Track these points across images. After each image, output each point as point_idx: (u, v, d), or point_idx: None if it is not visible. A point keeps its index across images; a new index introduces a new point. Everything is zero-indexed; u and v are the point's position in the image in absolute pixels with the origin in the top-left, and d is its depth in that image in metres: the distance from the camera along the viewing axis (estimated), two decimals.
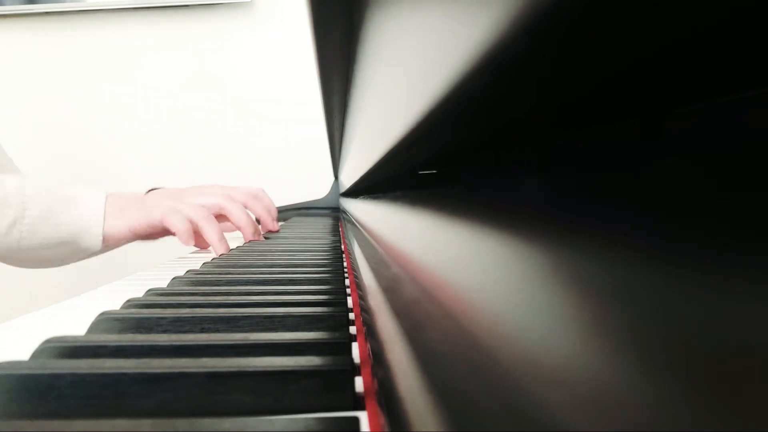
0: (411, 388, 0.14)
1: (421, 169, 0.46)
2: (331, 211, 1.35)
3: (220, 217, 0.76)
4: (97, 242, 0.67)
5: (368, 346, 0.25)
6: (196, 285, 0.44)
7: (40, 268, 0.80)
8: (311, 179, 1.45)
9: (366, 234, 0.54)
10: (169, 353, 0.25)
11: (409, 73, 0.20)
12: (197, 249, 0.79)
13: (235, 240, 0.84)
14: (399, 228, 0.34)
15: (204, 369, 0.22)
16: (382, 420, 0.18)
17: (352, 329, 0.31)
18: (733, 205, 0.08)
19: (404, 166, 0.42)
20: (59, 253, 0.71)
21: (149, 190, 0.80)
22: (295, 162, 1.53)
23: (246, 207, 0.80)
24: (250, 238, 0.77)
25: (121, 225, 0.67)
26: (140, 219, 0.68)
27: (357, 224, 0.70)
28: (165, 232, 0.71)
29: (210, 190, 0.77)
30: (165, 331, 0.30)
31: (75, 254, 0.72)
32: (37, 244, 0.65)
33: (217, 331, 0.30)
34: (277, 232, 0.87)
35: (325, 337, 0.26)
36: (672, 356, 0.07)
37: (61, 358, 0.25)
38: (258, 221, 0.86)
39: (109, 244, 0.69)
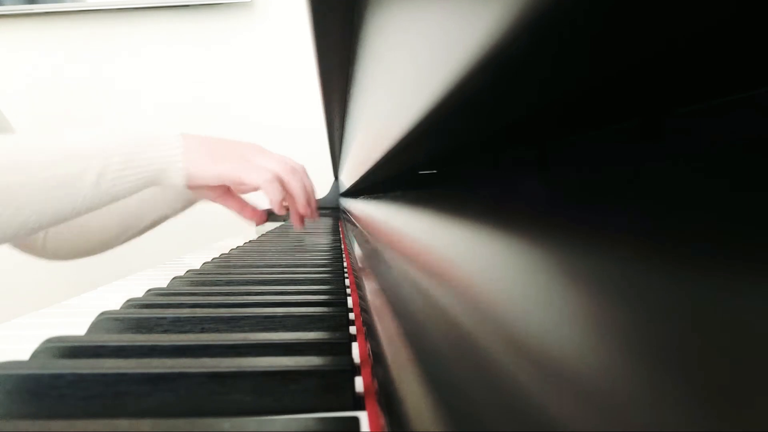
0: (411, 388, 0.14)
1: (421, 169, 0.46)
2: (331, 211, 1.35)
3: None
4: (181, 179, 0.65)
5: (368, 346, 0.25)
6: (196, 285, 0.44)
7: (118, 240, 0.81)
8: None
9: (366, 234, 0.54)
10: (170, 353, 0.25)
11: (409, 73, 0.20)
12: (196, 246, 0.79)
13: (235, 238, 0.83)
14: (399, 228, 0.34)
15: (204, 369, 0.22)
16: (382, 420, 0.18)
17: (352, 329, 0.31)
18: (733, 204, 0.08)
19: (404, 166, 0.42)
20: (148, 199, 0.73)
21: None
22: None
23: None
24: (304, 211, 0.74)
25: (211, 170, 0.65)
26: (233, 171, 0.65)
27: (357, 224, 0.70)
28: (245, 190, 0.70)
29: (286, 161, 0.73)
30: (165, 331, 0.30)
31: (163, 199, 0.73)
32: (126, 189, 0.65)
33: (218, 331, 0.30)
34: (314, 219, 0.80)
35: (325, 337, 0.26)
36: (672, 356, 0.07)
37: (61, 358, 0.25)
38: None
39: (196, 183, 0.66)
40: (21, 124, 1.54)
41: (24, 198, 0.57)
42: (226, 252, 0.69)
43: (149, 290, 0.40)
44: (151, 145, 0.66)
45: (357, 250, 0.47)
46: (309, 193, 0.74)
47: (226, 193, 0.71)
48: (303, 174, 0.73)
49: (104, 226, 0.81)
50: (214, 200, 0.72)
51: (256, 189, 0.67)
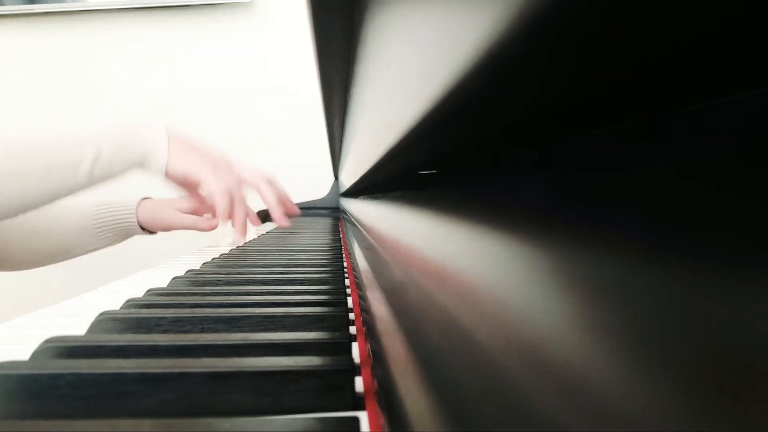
0: (411, 388, 0.14)
1: (421, 169, 0.46)
2: (331, 211, 1.35)
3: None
4: (162, 164, 0.73)
5: (368, 346, 0.25)
6: (196, 285, 0.44)
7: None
8: (311, 179, 1.45)
9: (366, 234, 0.54)
10: (170, 353, 0.25)
11: (409, 73, 0.20)
12: (198, 247, 0.80)
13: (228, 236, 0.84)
14: (399, 228, 0.34)
15: (204, 369, 0.22)
16: (382, 420, 0.18)
17: (352, 329, 0.31)
18: (734, 204, 0.08)
19: (404, 166, 0.42)
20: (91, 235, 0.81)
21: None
22: (295, 162, 1.53)
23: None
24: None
25: (181, 164, 0.73)
26: (198, 171, 0.73)
27: (357, 224, 0.70)
28: (198, 193, 0.77)
29: (254, 173, 0.82)
30: (165, 331, 0.30)
31: (104, 237, 0.80)
32: (117, 171, 0.71)
33: (217, 331, 0.30)
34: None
35: (325, 337, 0.26)
36: (671, 355, 0.07)
37: (61, 358, 0.25)
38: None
39: (171, 175, 0.74)
40: (21, 124, 1.54)
41: (25, 183, 0.63)
42: (226, 252, 0.69)
43: (149, 290, 0.40)
44: (140, 132, 0.73)
45: (357, 250, 0.47)
46: (279, 200, 0.83)
47: (191, 190, 0.78)
48: (263, 188, 0.81)
49: (45, 252, 0.87)
50: (181, 191, 0.79)
51: (208, 193, 0.74)
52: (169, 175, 0.74)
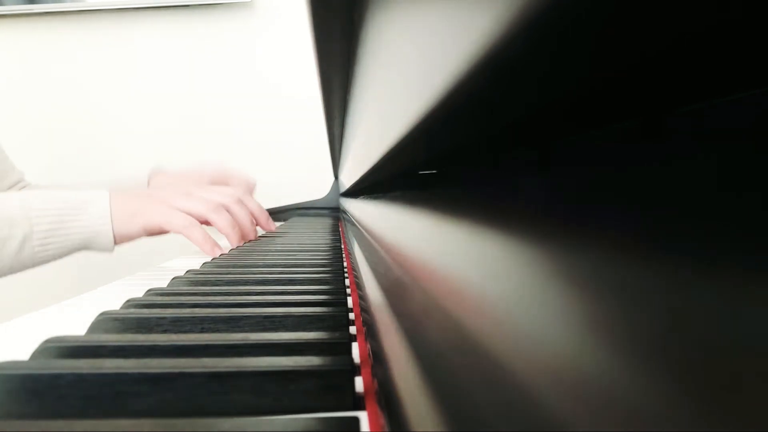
0: (411, 388, 0.14)
1: (421, 169, 0.46)
2: (331, 211, 1.35)
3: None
4: (109, 243, 0.69)
5: (368, 346, 0.25)
6: (196, 285, 0.44)
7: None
8: (311, 179, 1.45)
9: (366, 234, 0.54)
10: (169, 353, 0.25)
11: (409, 73, 0.20)
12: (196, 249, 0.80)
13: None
14: (399, 228, 0.34)
15: (204, 369, 0.22)
16: (382, 420, 0.18)
17: (352, 329, 0.31)
18: (734, 204, 0.08)
19: (404, 166, 0.42)
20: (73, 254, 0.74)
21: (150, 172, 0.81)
22: (295, 162, 1.53)
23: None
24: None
25: (134, 226, 0.69)
26: (155, 223, 0.69)
27: (357, 224, 0.70)
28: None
29: (219, 192, 0.77)
30: (165, 331, 0.30)
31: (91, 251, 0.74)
32: (51, 255, 0.67)
33: (217, 331, 0.30)
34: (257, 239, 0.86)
35: (325, 337, 0.26)
36: (672, 356, 0.07)
37: (61, 358, 0.25)
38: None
39: (124, 241, 0.70)
40: (20, 125, 1.54)
41: None
42: (226, 252, 0.69)
43: (149, 290, 0.40)
44: (80, 211, 0.68)
45: (357, 250, 0.47)
46: (251, 216, 0.78)
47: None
48: (236, 205, 0.76)
49: None
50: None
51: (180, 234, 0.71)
52: (124, 241, 0.70)
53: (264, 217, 0.84)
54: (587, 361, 0.08)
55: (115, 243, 0.70)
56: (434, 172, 0.45)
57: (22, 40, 1.53)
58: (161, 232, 0.71)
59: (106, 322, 0.30)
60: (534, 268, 0.12)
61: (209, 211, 0.71)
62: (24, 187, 1.00)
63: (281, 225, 1.02)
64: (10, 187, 0.96)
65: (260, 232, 0.94)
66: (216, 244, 0.69)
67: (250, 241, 0.79)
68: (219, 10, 1.50)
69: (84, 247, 0.69)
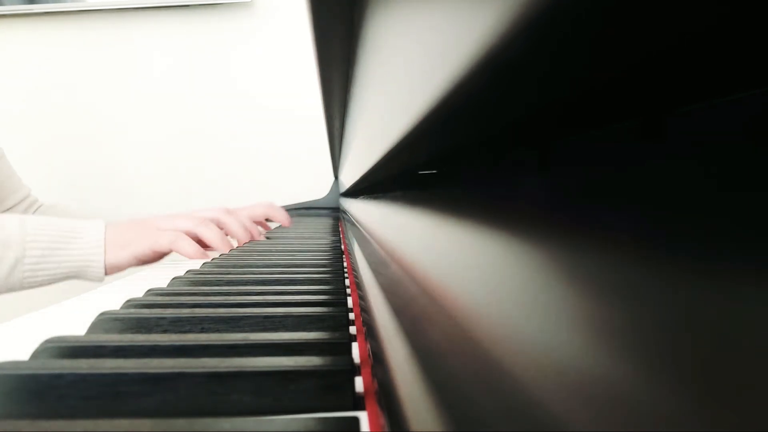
0: (411, 388, 0.14)
1: (421, 169, 0.46)
2: (331, 211, 1.35)
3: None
4: (100, 274, 0.69)
5: (368, 346, 0.25)
6: (196, 285, 0.44)
7: None
8: (311, 179, 1.45)
9: (366, 234, 0.54)
10: (169, 353, 0.25)
11: (409, 73, 0.20)
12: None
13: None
14: (399, 228, 0.34)
15: (204, 369, 0.22)
16: (382, 420, 0.18)
17: (352, 329, 0.31)
18: (734, 204, 0.08)
19: (404, 166, 0.42)
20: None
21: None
22: (295, 162, 1.53)
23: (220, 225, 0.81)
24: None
25: (125, 256, 0.69)
26: (145, 248, 0.69)
27: (357, 224, 0.70)
28: (168, 253, 0.74)
29: (205, 209, 0.79)
30: (165, 331, 0.30)
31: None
32: (40, 281, 0.67)
33: (217, 331, 0.30)
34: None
35: (325, 337, 0.26)
36: (671, 356, 0.07)
37: (61, 358, 0.25)
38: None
39: (114, 272, 0.70)
40: (20, 124, 1.54)
41: None
42: (226, 252, 0.69)
43: (149, 290, 0.40)
44: (73, 240, 0.68)
45: (357, 250, 0.47)
46: (236, 234, 0.79)
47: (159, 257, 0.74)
48: (226, 216, 0.77)
49: None
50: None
51: (170, 251, 0.71)
52: (114, 270, 0.70)
53: (255, 232, 0.84)
54: (587, 361, 0.08)
55: (106, 273, 0.70)
56: (434, 172, 0.45)
57: (22, 40, 1.53)
58: (153, 256, 0.71)
59: (106, 322, 0.30)
60: (534, 268, 0.12)
61: (196, 225, 0.72)
62: (31, 204, 1.00)
63: (279, 225, 1.02)
64: (16, 204, 0.97)
65: (262, 229, 0.94)
66: (205, 254, 0.70)
67: (249, 241, 0.79)
68: (219, 10, 1.50)
69: (74, 276, 0.69)
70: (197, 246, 0.70)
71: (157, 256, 0.72)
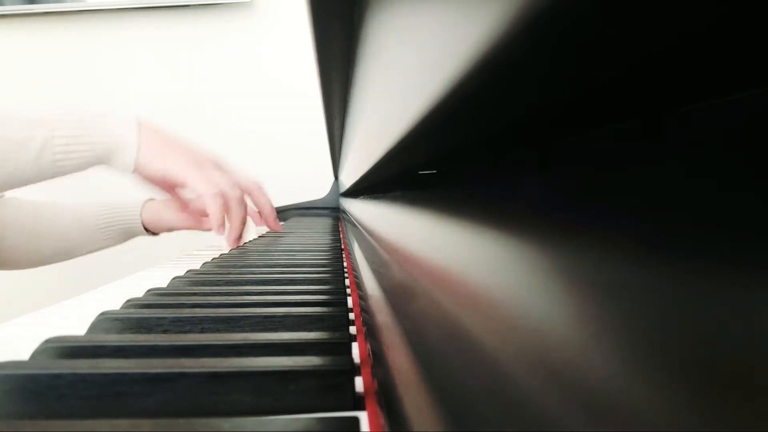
0: (411, 388, 0.14)
1: (421, 169, 0.46)
2: (331, 211, 1.35)
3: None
4: (131, 160, 0.63)
5: (368, 346, 0.25)
6: (196, 285, 0.44)
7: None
8: (311, 179, 1.45)
9: (366, 234, 0.54)
10: (170, 353, 0.25)
11: (409, 73, 0.20)
12: (198, 248, 0.80)
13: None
14: (399, 228, 0.34)
15: (204, 369, 0.22)
16: (382, 420, 0.18)
17: (352, 329, 0.31)
18: (734, 204, 0.08)
19: (404, 166, 0.42)
20: (92, 234, 0.71)
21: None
22: (295, 162, 1.53)
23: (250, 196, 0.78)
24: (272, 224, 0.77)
25: (156, 163, 0.64)
26: (180, 174, 0.64)
27: (357, 224, 0.70)
28: (179, 195, 0.70)
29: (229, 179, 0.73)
30: (165, 331, 0.30)
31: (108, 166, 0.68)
32: (73, 164, 0.62)
33: (217, 331, 0.30)
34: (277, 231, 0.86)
35: (325, 337, 0.26)
36: (671, 356, 0.07)
37: (61, 358, 0.25)
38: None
39: (143, 172, 0.65)
40: None
41: None
42: (226, 252, 0.69)
43: (149, 290, 0.40)
44: (105, 122, 0.63)
45: (357, 250, 0.47)
46: (262, 211, 0.77)
47: (171, 191, 0.71)
48: (258, 194, 0.75)
49: (50, 245, 0.81)
50: (160, 192, 0.71)
51: (196, 196, 0.66)
52: (141, 174, 0.64)
53: (272, 216, 0.81)
54: (587, 360, 0.08)
55: (137, 169, 0.64)
56: (434, 172, 0.45)
57: (22, 40, 1.53)
58: (178, 186, 0.66)
59: (106, 322, 0.30)
60: (534, 267, 0.12)
61: (233, 195, 0.67)
62: None
63: (281, 225, 1.02)
64: None
65: (263, 229, 0.94)
66: (224, 225, 0.66)
67: (248, 241, 0.77)
68: (219, 10, 1.50)
69: (105, 160, 0.63)
70: (223, 219, 0.65)
71: (180, 188, 0.67)
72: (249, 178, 0.80)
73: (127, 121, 0.64)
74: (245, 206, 0.72)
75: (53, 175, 0.62)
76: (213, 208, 0.64)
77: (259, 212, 0.86)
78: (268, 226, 0.85)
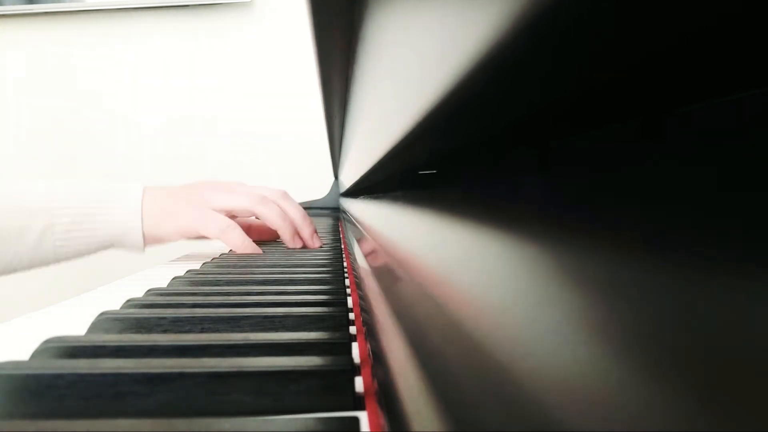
0: (411, 388, 0.14)
1: (421, 169, 0.46)
2: (331, 211, 1.35)
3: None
4: (139, 242, 0.63)
5: (368, 346, 0.25)
6: (196, 285, 0.44)
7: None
8: (311, 179, 1.45)
9: (366, 234, 0.54)
10: (170, 353, 0.25)
11: (409, 73, 0.20)
12: (196, 249, 0.79)
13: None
14: (399, 228, 0.34)
15: (204, 369, 0.22)
16: (382, 420, 0.18)
17: (352, 329, 0.31)
18: (734, 204, 0.08)
19: (404, 166, 0.42)
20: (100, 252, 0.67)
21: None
22: (295, 162, 1.53)
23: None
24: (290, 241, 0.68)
25: (167, 228, 0.62)
26: (191, 226, 0.62)
27: (357, 224, 0.70)
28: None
29: (263, 187, 0.69)
30: (165, 331, 0.30)
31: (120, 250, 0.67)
32: (75, 251, 0.62)
33: (217, 331, 0.30)
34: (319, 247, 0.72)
35: (325, 337, 0.26)
36: (671, 355, 0.07)
37: (61, 358, 0.25)
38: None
39: (155, 243, 0.64)
40: (20, 124, 1.54)
41: None
42: (226, 252, 0.69)
43: (149, 290, 0.40)
44: (108, 204, 0.61)
45: (357, 250, 0.47)
46: (294, 219, 0.68)
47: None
48: (283, 200, 0.67)
49: None
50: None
51: (217, 239, 0.64)
52: (154, 241, 0.63)
53: (309, 230, 0.70)
54: (586, 360, 0.08)
55: (146, 244, 0.63)
56: (434, 172, 0.45)
57: (22, 40, 1.53)
58: (198, 237, 0.64)
59: (106, 322, 0.30)
60: (534, 267, 0.12)
61: (256, 204, 0.63)
62: None
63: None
64: None
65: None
66: (256, 247, 0.63)
67: (305, 246, 0.69)
68: (219, 10, 1.50)
69: (111, 244, 0.63)
70: (248, 239, 0.63)
71: (203, 237, 0.65)
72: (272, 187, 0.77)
73: (131, 200, 0.62)
74: (293, 202, 0.68)
75: (56, 260, 0.62)
76: (233, 243, 0.62)
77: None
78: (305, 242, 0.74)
